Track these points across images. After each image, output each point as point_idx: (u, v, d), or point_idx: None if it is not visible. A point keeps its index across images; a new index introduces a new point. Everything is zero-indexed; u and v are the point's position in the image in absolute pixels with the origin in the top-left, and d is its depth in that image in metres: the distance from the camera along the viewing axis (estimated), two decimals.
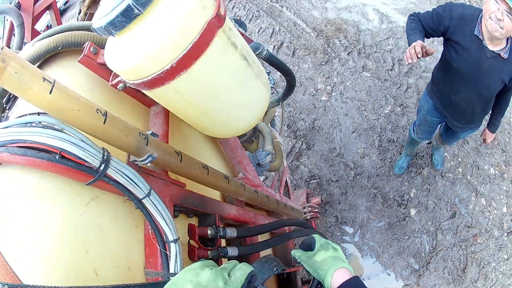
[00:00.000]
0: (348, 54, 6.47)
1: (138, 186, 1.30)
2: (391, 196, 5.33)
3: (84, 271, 1.15)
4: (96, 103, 1.15)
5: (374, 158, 5.59)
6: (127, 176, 1.26)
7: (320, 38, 6.70)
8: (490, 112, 3.77)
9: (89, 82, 1.61)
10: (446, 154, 5.44)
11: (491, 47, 3.06)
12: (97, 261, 1.20)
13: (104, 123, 1.13)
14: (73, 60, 1.60)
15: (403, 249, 5.02)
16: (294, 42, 6.77)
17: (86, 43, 1.56)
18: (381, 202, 5.31)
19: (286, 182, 4.42)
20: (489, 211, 5.04)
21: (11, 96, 1.57)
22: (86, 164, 1.12)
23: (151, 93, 1.47)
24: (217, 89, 1.53)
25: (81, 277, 1.12)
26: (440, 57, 3.55)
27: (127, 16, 1.21)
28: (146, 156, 1.32)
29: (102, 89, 1.63)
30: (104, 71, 1.61)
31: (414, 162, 5.45)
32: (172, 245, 1.38)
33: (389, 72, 6.19)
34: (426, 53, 2.94)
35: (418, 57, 2.91)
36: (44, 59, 1.60)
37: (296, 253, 1.56)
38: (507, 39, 3.05)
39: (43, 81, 0.97)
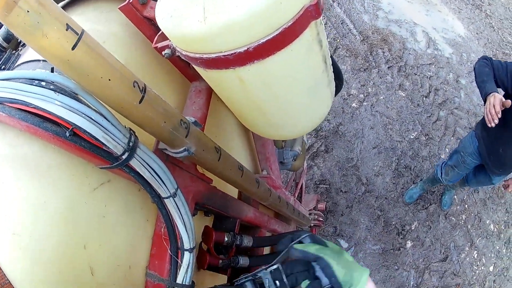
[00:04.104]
0: (388, 68, 6.25)
1: (164, 184, 1.05)
2: (393, 223, 5.22)
3: (79, 269, 0.94)
4: (129, 62, 0.90)
5: (387, 179, 5.45)
6: (154, 170, 1.01)
7: (364, 44, 6.46)
8: None
9: (125, 35, 1.37)
10: (455, 197, 5.38)
11: None
12: (95, 258, 0.99)
13: (140, 101, 0.87)
14: (112, 4, 1.37)
15: (389, 278, 4.95)
16: (338, 40, 6.52)
17: None
18: (382, 225, 5.21)
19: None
20: (478, 265, 5.06)
21: None
22: (104, 148, 0.87)
23: (205, 72, 1.23)
24: (286, 89, 1.30)
25: (74, 277, 0.92)
26: None
27: None
28: (182, 149, 1.08)
29: (139, 47, 1.40)
30: (148, 27, 1.37)
31: (424, 196, 5.36)
32: (186, 253, 1.16)
33: (424, 98, 6.02)
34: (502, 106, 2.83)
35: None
36: None
37: (311, 247, 1.24)
38: None
39: (67, 29, 0.68)
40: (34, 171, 0.89)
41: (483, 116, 3.38)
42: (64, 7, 1.42)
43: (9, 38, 1.35)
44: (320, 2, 1.13)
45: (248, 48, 1.05)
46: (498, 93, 2.92)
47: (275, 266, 1.11)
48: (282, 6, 1.02)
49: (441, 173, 4.45)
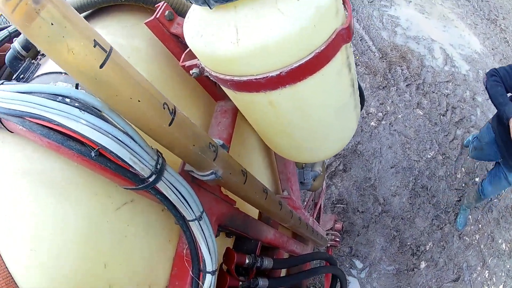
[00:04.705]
0: (407, 86, 6.19)
1: (190, 207, 1.03)
2: (408, 243, 5.15)
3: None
4: (153, 79, 0.87)
5: (404, 200, 5.38)
6: (180, 193, 0.99)
7: (383, 61, 6.43)
8: None
9: (149, 51, 1.35)
10: (470, 217, 5.32)
11: None
12: (115, 277, 0.97)
13: (170, 124, 0.84)
14: (138, 19, 1.35)
15: None
16: (357, 57, 6.50)
17: (161, 3, 1.30)
18: (398, 246, 5.14)
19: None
20: (488, 285, 4.98)
21: None
22: (130, 169, 0.84)
23: (234, 94, 1.21)
24: (315, 113, 1.28)
25: None
26: None
27: None
28: (209, 172, 1.06)
29: (163, 64, 1.38)
30: (175, 44, 1.35)
31: (438, 216, 5.31)
32: (208, 276, 1.13)
33: (441, 117, 5.95)
34: None
35: None
36: (96, 9, 1.34)
37: None
38: None
39: (94, 45, 0.65)
40: (52, 187, 0.87)
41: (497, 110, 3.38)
42: (87, 18, 1.41)
43: (28, 46, 1.33)
44: (351, 25, 1.11)
45: (280, 73, 1.03)
46: None
47: None
48: (315, 30, 1.00)
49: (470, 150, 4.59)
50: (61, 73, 1.07)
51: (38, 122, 0.76)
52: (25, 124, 0.76)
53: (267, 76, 1.04)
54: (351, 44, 1.24)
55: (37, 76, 1.17)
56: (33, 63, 1.25)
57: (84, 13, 1.40)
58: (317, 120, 1.32)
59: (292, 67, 1.03)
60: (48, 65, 1.18)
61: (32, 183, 0.86)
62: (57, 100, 0.76)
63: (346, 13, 1.15)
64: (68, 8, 0.62)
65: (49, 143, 0.78)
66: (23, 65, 1.23)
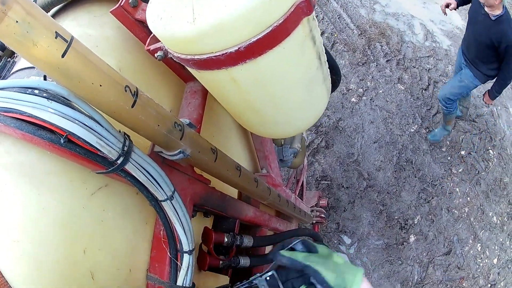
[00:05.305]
0: (387, 61, 6.23)
1: (161, 187, 1.05)
2: (396, 217, 5.22)
3: (79, 274, 0.94)
4: (123, 66, 0.89)
5: (388, 174, 5.44)
6: (149, 173, 1.01)
7: (362, 38, 6.44)
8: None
9: (118, 38, 1.36)
10: (457, 189, 5.44)
11: (486, 10, 3.93)
12: (96, 263, 0.99)
13: (132, 106, 0.86)
14: (105, 8, 1.35)
15: (393, 273, 4.96)
16: (336, 35, 6.49)
17: None
18: (385, 220, 5.21)
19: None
20: (481, 258, 5.07)
21: None
22: (99, 153, 0.86)
23: (198, 73, 1.22)
24: (280, 87, 1.28)
25: (75, 281, 0.92)
26: None
27: None
28: (177, 152, 1.07)
29: (132, 50, 1.39)
30: (140, 30, 1.36)
31: (425, 189, 5.37)
32: (186, 256, 1.16)
33: (423, 91, 6.01)
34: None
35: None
36: (69, 2, 1.35)
37: (298, 255, 1.20)
38: (503, 7, 3.91)
39: (56, 37, 0.68)
40: (32, 178, 0.89)
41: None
42: (58, 12, 1.41)
43: (4, 46, 1.35)
44: None
45: (239, 48, 1.03)
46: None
47: (270, 273, 1.11)
48: (271, 4, 1.00)
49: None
50: (34, 67, 1.09)
51: (12, 116, 0.79)
52: (0, 119, 0.79)
53: (226, 53, 1.04)
54: (315, 17, 1.25)
55: (13, 73, 1.19)
56: (9, 61, 1.28)
57: (57, 7, 1.40)
58: (282, 94, 1.32)
59: (250, 42, 1.03)
60: (22, 61, 1.20)
61: (13, 175, 0.87)
62: (27, 92, 0.78)
63: None
64: (31, 5, 0.65)
65: (23, 135, 0.81)
66: (0, 64, 1.26)
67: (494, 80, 4.49)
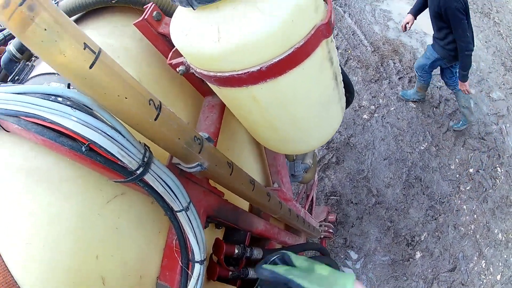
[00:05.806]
0: (399, 78, 6.23)
1: (177, 198, 1.07)
2: (403, 234, 5.19)
3: (90, 279, 0.96)
4: (142, 77, 0.92)
5: (397, 191, 5.43)
6: (167, 184, 1.03)
7: (375, 55, 6.46)
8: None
9: (139, 50, 1.39)
10: (465, 207, 5.37)
11: None
12: (107, 268, 1.01)
13: (155, 119, 0.88)
14: (127, 20, 1.39)
15: None
16: (349, 52, 6.53)
17: (149, 4, 1.34)
18: (392, 237, 5.18)
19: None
20: (485, 275, 5.00)
21: None
22: (119, 163, 0.88)
23: (218, 89, 1.26)
24: (299, 106, 1.32)
25: (86, 286, 0.94)
26: None
27: None
28: (195, 165, 1.10)
29: (151, 62, 1.42)
30: (162, 43, 1.39)
31: (433, 206, 5.34)
32: (197, 265, 1.18)
33: (434, 109, 5.99)
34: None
35: None
36: (89, 11, 1.38)
37: (280, 269, 1.23)
38: None
39: (84, 48, 0.69)
40: (48, 183, 0.91)
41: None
42: (78, 20, 1.45)
43: (23, 49, 1.37)
44: (331, 21, 1.15)
45: (261, 68, 1.07)
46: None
47: None
48: (294, 26, 1.04)
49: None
50: (54, 74, 1.10)
51: (33, 121, 0.80)
52: (20, 123, 0.80)
53: (248, 71, 1.08)
54: (333, 39, 1.29)
55: (32, 77, 1.20)
56: (28, 65, 1.27)
57: (77, 15, 1.43)
58: (300, 113, 1.36)
59: (272, 62, 1.07)
60: (42, 66, 1.20)
61: (29, 180, 0.89)
62: (50, 99, 0.80)
63: (327, 9, 1.19)
64: (60, 13, 0.66)
65: (43, 140, 0.82)
66: (18, 67, 1.26)
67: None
